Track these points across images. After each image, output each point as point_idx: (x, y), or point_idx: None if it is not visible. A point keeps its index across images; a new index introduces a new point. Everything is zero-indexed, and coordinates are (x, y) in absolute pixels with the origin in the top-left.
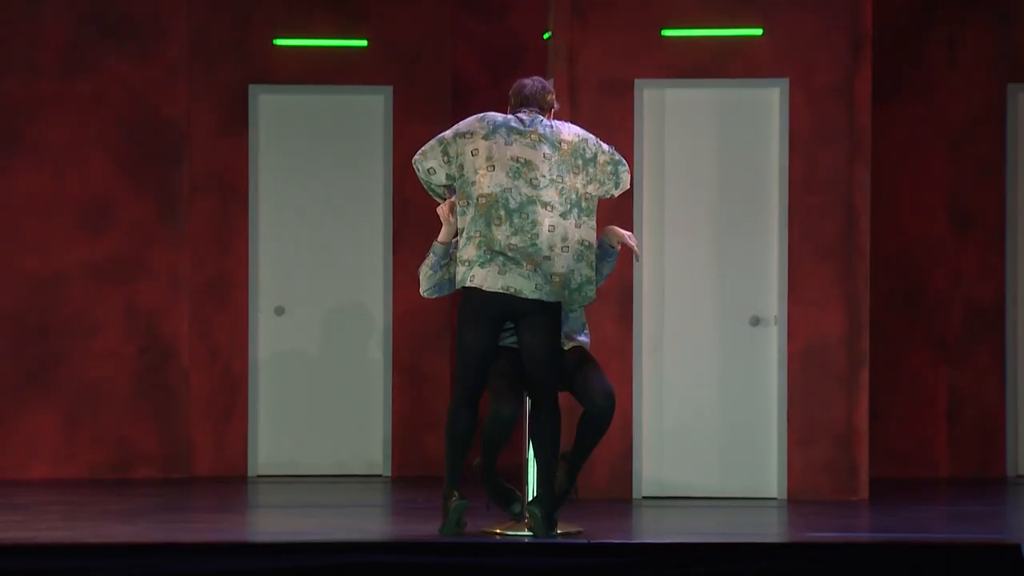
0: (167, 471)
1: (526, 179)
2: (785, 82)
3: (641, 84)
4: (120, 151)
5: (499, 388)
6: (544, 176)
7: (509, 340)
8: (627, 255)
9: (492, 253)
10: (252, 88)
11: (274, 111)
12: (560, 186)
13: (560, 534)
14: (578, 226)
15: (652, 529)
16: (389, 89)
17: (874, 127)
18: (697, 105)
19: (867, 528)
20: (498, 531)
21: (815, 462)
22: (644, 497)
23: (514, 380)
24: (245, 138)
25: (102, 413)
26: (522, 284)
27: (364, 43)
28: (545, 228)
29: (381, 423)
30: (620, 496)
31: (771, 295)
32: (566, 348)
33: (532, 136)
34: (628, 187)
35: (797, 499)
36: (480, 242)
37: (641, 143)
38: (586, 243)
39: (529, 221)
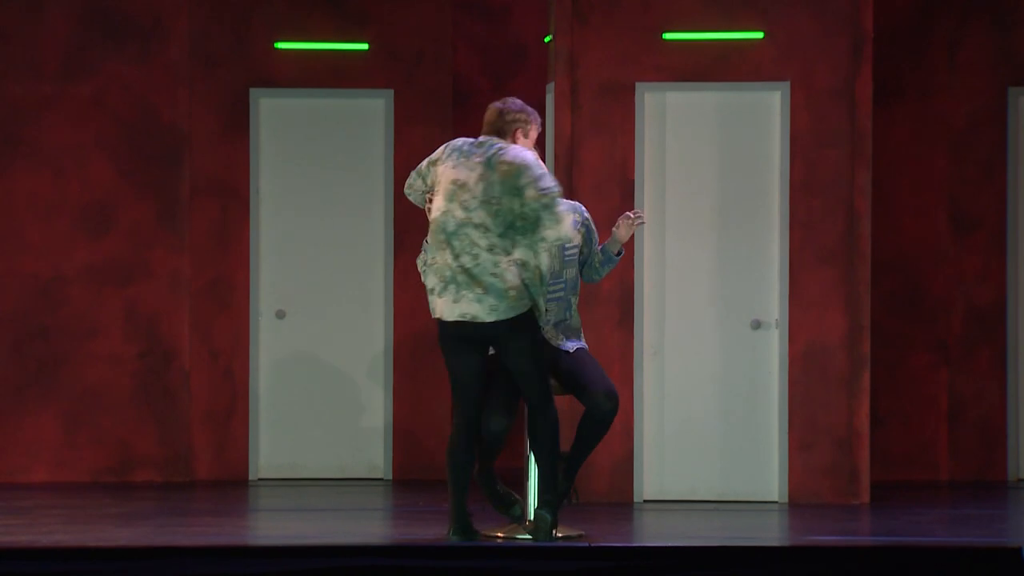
0: (168, 474)
1: (459, 201)
2: (786, 85)
3: (642, 87)
4: (121, 154)
5: (491, 402)
6: (475, 197)
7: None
8: (627, 260)
9: (445, 280)
10: (253, 91)
11: (275, 114)
12: (495, 207)
13: (561, 537)
14: (516, 246)
15: (653, 533)
16: (390, 92)
17: (875, 130)
18: (698, 108)
19: (868, 532)
20: (499, 534)
21: (816, 465)
22: (645, 501)
23: (507, 393)
24: (246, 141)
25: (103, 416)
26: (476, 310)
27: (365, 46)
28: (484, 249)
29: (382, 426)
30: (621, 500)
31: (772, 298)
32: (571, 351)
33: (475, 158)
34: (561, 240)
35: (798, 503)
36: (435, 269)
37: (642, 146)
38: (520, 262)
39: (467, 243)
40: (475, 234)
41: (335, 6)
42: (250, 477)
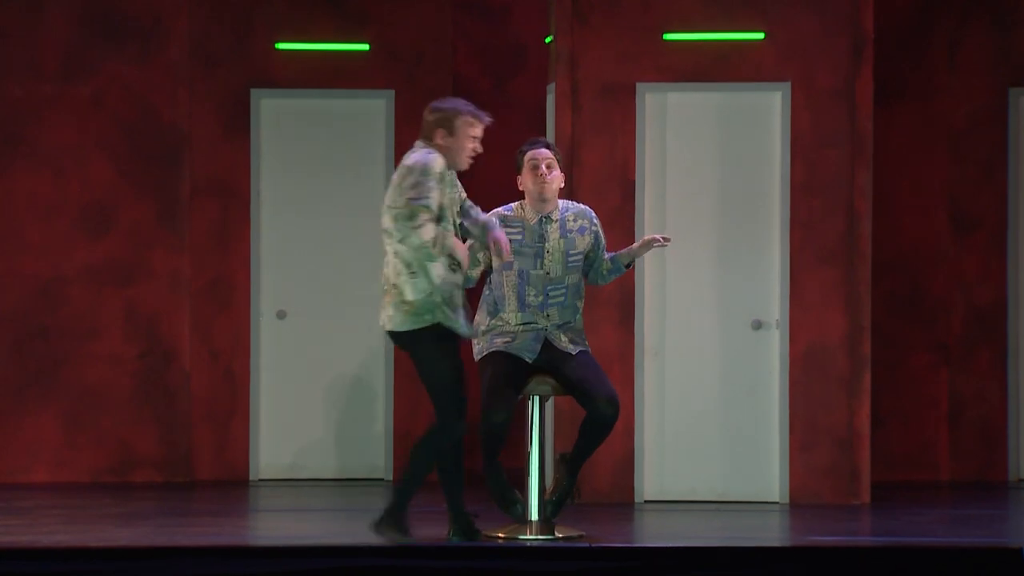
0: (168, 475)
1: (380, 210)
2: (786, 85)
3: (643, 88)
4: (121, 154)
5: (489, 394)
6: (384, 204)
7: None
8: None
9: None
10: (254, 92)
11: (276, 115)
12: (395, 211)
13: (562, 538)
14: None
15: (654, 533)
16: (391, 93)
17: (875, 130)
18: (699, 109)
19: (868, 532)
20: (500, 535)
21: (817, 466)
22: (646, 501)
23: (505, 385)
24: (247, 141)
25: (103, 416)
26: (383, 318)
27: (366, 47)
28: (391, 255)
29: (383, 427)
30: (622, 500)
31: (772, 298)
32: (573, 354)
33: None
34: (422, 242)
35: (798, 503)
36: None
37: (643, 147)
38: (425, 274)
39: (386, 250)
40: (386, 240)
41: (335, 6)
42: (250, 477)
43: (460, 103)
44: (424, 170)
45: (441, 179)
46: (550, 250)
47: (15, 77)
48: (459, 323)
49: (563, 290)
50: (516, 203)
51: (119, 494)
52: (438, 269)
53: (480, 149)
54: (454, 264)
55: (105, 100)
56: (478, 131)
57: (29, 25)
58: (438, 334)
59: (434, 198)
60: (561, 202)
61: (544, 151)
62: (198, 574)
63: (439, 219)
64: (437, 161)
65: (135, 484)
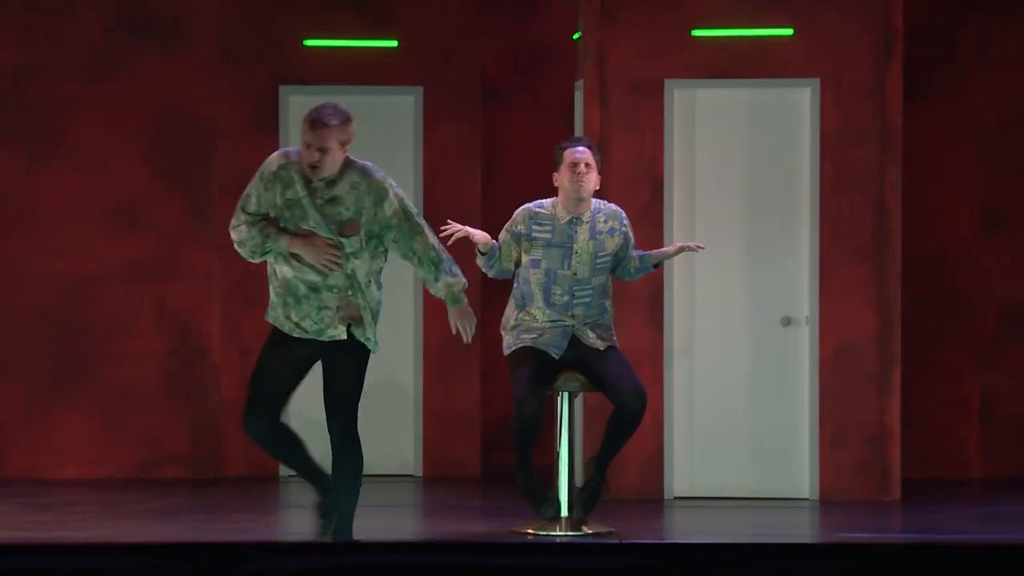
0: (198, 471)
1: None
2: (816, 82)
3: (671, 84)
4: (151, 152)
5: (519, 388)
6: None
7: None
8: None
9: None
10: (282, 89)
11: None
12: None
13: (591, 534)
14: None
15: (683, 529)
16: (419, 90)
17: (905, 127)
18: (727, 105)
19: (899, 529)
20: (530, 531)
21: (847, 463)
22: (675, 497)
23: (534, 379)
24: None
25: (134, 413)
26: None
27: (394, 44)
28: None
29: (412, 423)
30: (651, 496)
31: (802, 295)
32: (601, 350)
33: None
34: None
35: (829, 500)
36: None
37: (671, 143)
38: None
39: None
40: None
41: (363, 3)
42: (280, 474)
43: (321, 114)
44: (250, 186)
45: (272, 179)
46: (578, 251)
47: (46, 76)
48: (274, 317)
49: (589, 291)
50: (550, 200)
51: (150, 490)
52: (283, 270)
53: (315, 158)
54: (299, 265)
55: (135, 98)
56: (309, 138)
57: (59, 24)
58: (272, 332)
59: (251, 199)
60: (594, 202)
61: (585, 151)
62: (228, 570)
63: (276, 220)
64: (271, 161)
65: (166, 480)
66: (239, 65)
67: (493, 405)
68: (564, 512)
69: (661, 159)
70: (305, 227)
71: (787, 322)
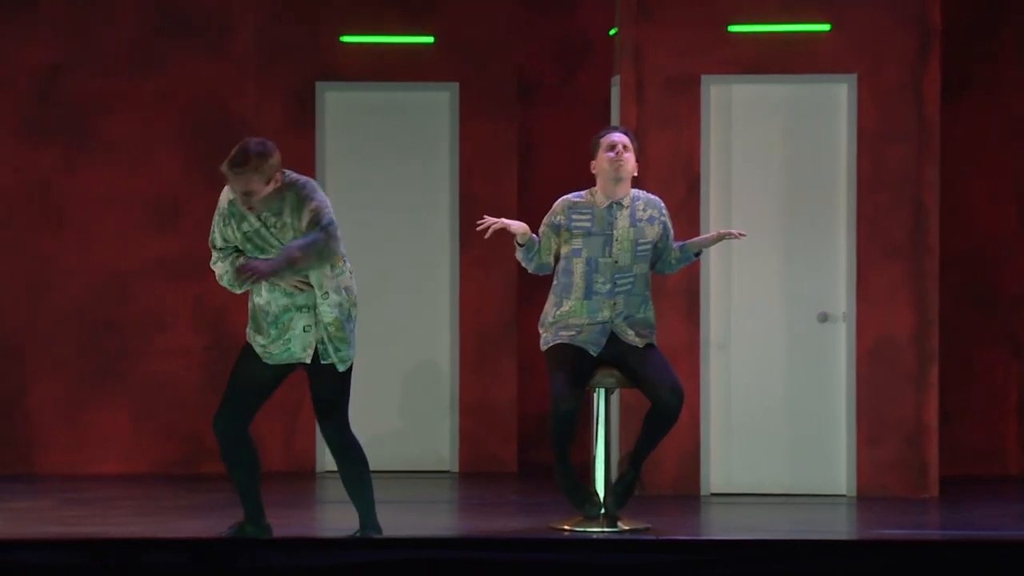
0: None
1: None
2: (853, 78)
3: (707, 80)
4: (189, 148)
5: (556, 385)
6: None
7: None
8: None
9: None
10: (319, 85)
11: (340, 108)
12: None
13: (627, 530)
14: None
15: (720, 526)
16: (455, 86)
17: (942, 124)
18: (764, 101)
19: (937, 525)
20: (566, 527)
21: (884, 459)
22: (712, 494)
23: (571, 375)
24: (312, 135)
25: (172, 408)
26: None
27: (430, 40)
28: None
29: (448, 419)
30: (688, 492)
31: (839, 292)
32: (639, 346)
33: None
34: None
35: (866, 496)
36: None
37: (708, 139)
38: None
39: None
40: None
41: (401, 0)
42: (317, 469)
43: (230, 154)
44: (216, 207)
45: (227, 216)
46: (619, 237)
47: (85, 73)
48: (256, 342)
49: (631, 278)
50: (587, 189)
51: (188, 485)
52: (256, 299)
53: (246, 201)
54: (271, 289)
55: (174, 94)
56: (233, 185)
57: (99, 20)
58: (246, 347)
59: (216, 235)
60: (633, 190)
61: (622, 135)
62: (264, 566)
63: (239, 251)
64: (222, 198)
65: (204, 476)
66: (276, 61)
67: (530, 401)
68: (600, 509)
69: (697, 155)
70: (274, 254)
71: (824, 318)
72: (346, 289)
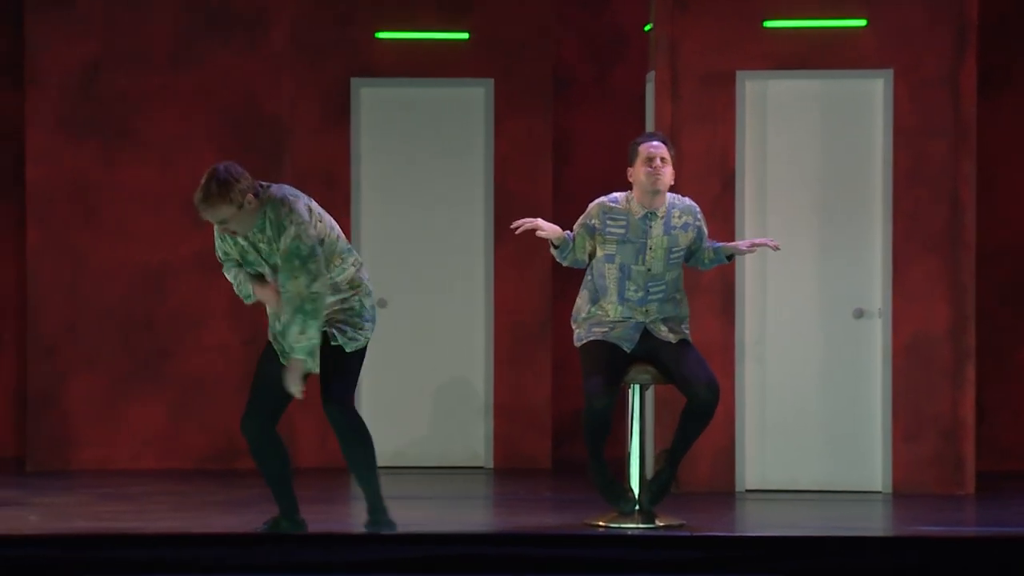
0: None
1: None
2: (889, 73)
3: (743, 75)
4: (225, 144)
5: (590, 382)
6: None
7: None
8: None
9: None
10: (354, 81)
11: (376, 104)
12: None
13: (663, 526)
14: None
15: (755, 522)
16: (490, 81)
17: (979, 119)
18: (800, 97)
19: (973, 522)
20: (601, 523)
21: (921, 456)
22: (747, 490)
23: (605, 372)
24: (347, 131)
25: (209, 404)
26: None
27: (466, 36)
28: None
29: (483, 415)
30: (723, 489)
31: (875, 288)
32: (673, 343)
33: None
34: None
35: (902, 493)
36: None
37: (743, 135)
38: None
39: None
40: None
41: None
42: None
43: (199, 187)
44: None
45: (222, 234)
46: (652, 246)
47: (122, 69)
48: (274, 340)
49: (663, 286)
50: (624, 194)
51: (225, 481)
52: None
53: (227, 231)
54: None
55: (211, 91)
56: (209, 219)
57: (136, 17)
58: (267, 347)
59: (217, 247)
60: (669, 196)
61: (660, 145)
62: (301, 561)
63: (239, 264)
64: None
65: (240, 471)
66: (312, 58)
67: (564, 397)
68: (636, 505)
69: (733, 151)
70: (269, 269)
71: (859, 314)
72: (350, 283)
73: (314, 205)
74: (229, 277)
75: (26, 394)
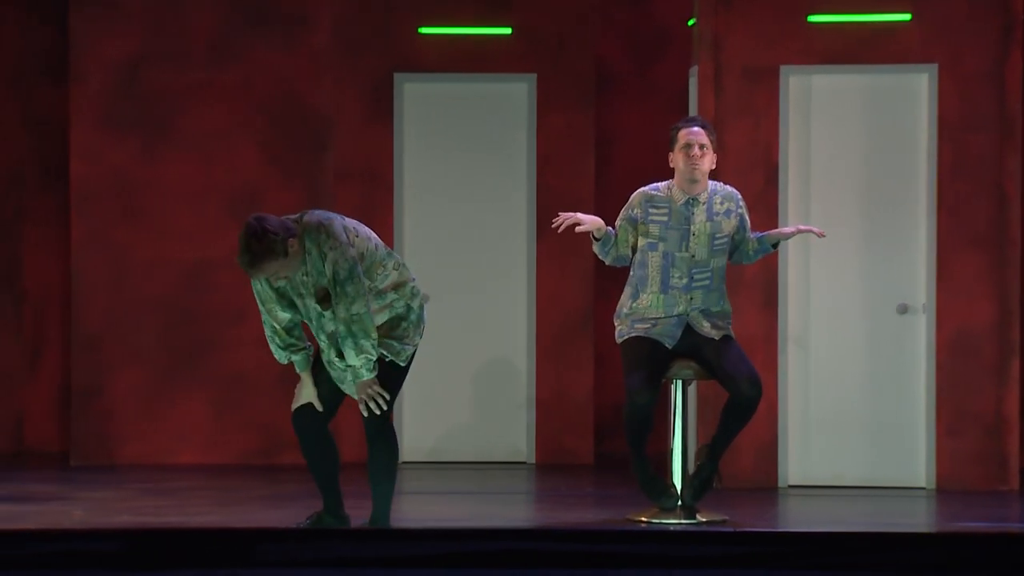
0: None
1: None
2: (934, 67)
3: (787, 70)
4: (267, 139)
5: (631, 378)
6: None
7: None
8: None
9: None
10: (397, 76)
11: (418, 99)
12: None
13: (705, 522)
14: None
15: (798, 518)
16: (533, 77)
17: None
18: (843, 91)
19: (1017, 518)
20: (643, 519)
21: (964, 452)
22: (790, 486)
23: (647, 368)
24: (390, 126)
25: (250, 399)
26: None
27: (508, 31)
28: None
29: (524, 410)
30: (765, 485)
31: (919, 283)
32: (715, 338)
33: None
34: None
35: (945, 489)
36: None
37: (787, 130)
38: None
39: None
40: None
41: None
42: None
43: (240, 247)
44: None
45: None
46: (696, 232)
47: (164, 65)
48: (338, 374)
49: (708, 273)
50: (665, 183)
51: (267, 476)
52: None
53: (278, 283)
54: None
55: (252, 86)
56: (257, 276)
57: (178, 14)
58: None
59: (257, 295)
60: (711, 183)
61: (699, 131)
62: (343, 556)
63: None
64: None
65: (282, 466)
66: (354, 53)
67: (606, 392)
68: (680, 501)
69: (776, 146)
70: (301, 309)
71: (903, 309)
72: (394, 287)
73: (348, 222)
74: (267, 332)
75: (70, 389)
